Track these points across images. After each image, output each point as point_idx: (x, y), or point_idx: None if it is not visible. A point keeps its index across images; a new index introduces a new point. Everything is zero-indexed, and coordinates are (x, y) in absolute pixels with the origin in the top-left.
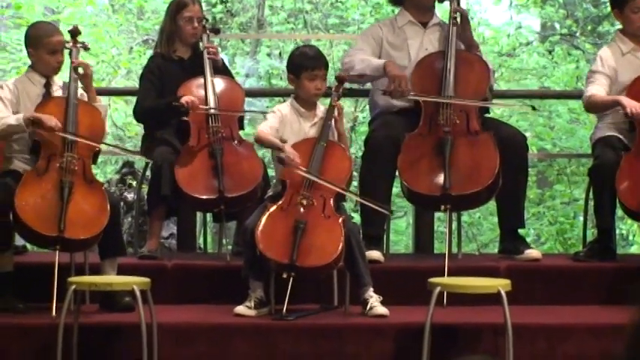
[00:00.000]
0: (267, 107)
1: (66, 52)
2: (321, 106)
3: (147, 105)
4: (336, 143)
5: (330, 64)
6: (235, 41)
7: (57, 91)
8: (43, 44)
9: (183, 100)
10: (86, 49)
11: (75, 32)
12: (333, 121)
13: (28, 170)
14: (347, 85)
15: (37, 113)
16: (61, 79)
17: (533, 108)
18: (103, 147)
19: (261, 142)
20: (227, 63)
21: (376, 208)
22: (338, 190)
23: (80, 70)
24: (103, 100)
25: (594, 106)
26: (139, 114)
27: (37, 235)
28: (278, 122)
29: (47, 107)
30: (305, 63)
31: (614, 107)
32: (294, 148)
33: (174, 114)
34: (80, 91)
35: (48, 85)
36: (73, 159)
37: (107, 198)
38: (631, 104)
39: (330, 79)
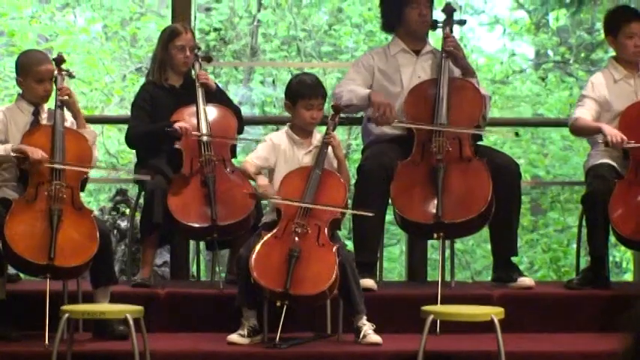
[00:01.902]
0: (261, 135)
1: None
2: (317, 134)
3: (139, 130)
4: (331, 172)
5: None
6: (229, 69)
7: (46, 119)
8: (31, 73)
9: (177, 125)
10: (71, 76)
11: (59, 60)
12: (330, 149)
13: (17, 198)
14: (343, 114)
15: (23, 145)
16: (49, 107)
17: (517, 134)
18: (93, 174)
19: (242, 172)
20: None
21: (360, 213)
22: (330, 209)
23: (65, 98)
24: (93, 128)
25: (578, 130)
26: (131, 139)
27: (27, 263)
28: (267, 152)
29: (34, 136)
30: (302, 91)
31: (596, 133)
32: (289, 176)
33: (167, 139)
34: (71, 118)
35: (37, 113)
36: (61, 187)
37: (96, 225)
38: (612, 133)
39: (326, 107)
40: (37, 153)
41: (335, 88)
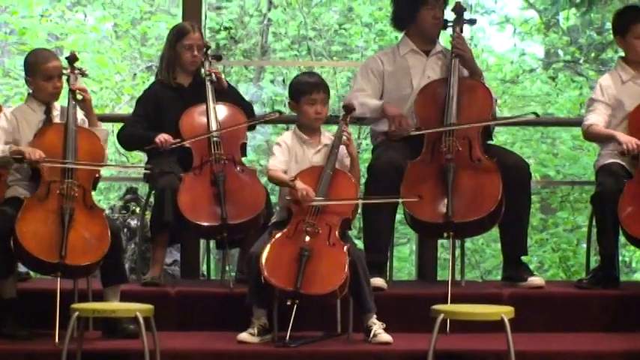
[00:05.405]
0: (271, 134)
1: (64, 78)
2: (326, 133)
3: (131, 132)
4: (342, 171)
5: (333, 91)
6: (239, 68)
7: (58, 117)
8: (39, 71)
9: (157, 139)
10: (84, 75)
11: (72, 59)
12: (342, 147)
13: (29, 197)
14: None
15: (21, 147)
16: (61, 104)
17: (536, 114)
18: (104, 172)
19: (273, 180)
20: None
21: (386, 200)
22: (350, 202)
23: (79, 96)
24: (104, 126)
25: (591, 137)
26: (121, 136)
27: (38, 261)
28: (286, 155)
29: (46, 134)
30: (303, 88)
31: (610, 141)
32: (300, 176)
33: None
34: (82, 116)
35: (48, 111)
36: (73, 185)
37: (108, 224)
38: (627, 140)
39: (334, 105)
40: (34, 153)
41: (345, 100)
